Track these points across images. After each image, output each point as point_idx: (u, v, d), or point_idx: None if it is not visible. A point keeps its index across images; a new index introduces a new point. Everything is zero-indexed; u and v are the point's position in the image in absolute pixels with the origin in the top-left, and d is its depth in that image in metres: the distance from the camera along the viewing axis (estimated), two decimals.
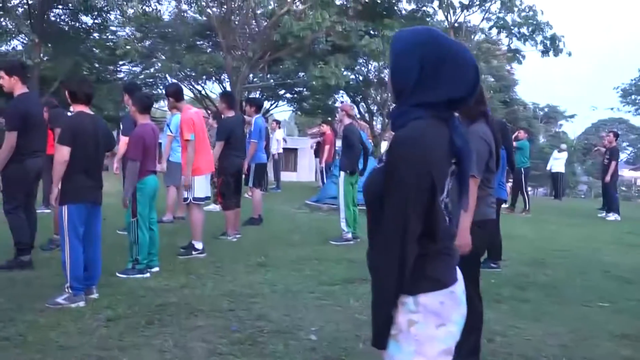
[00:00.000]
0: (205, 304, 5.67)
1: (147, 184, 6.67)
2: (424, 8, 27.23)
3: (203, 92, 33.67)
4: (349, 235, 9.17)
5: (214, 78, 34.32)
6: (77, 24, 24.90)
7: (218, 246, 8.40)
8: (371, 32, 23.14)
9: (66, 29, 24.65)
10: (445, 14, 27.66)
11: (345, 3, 23.60)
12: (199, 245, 7.78)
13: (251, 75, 27.43)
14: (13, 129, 6.50)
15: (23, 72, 6.83)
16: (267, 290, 6.27)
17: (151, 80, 30.63)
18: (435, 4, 26.68)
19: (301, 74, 31.83)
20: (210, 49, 31.18)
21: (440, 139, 2.04)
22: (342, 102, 30.93)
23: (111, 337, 4.71)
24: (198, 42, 31.49)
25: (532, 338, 5.14)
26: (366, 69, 32.58)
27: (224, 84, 35.10)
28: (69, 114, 7.28)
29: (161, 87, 30.04)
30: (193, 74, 30.09)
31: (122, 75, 31.26)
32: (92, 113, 5.70)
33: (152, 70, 30.82)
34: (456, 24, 27.84)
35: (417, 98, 2.07)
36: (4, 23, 21.21)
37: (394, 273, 1.97)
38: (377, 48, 20.94)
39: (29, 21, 19.66)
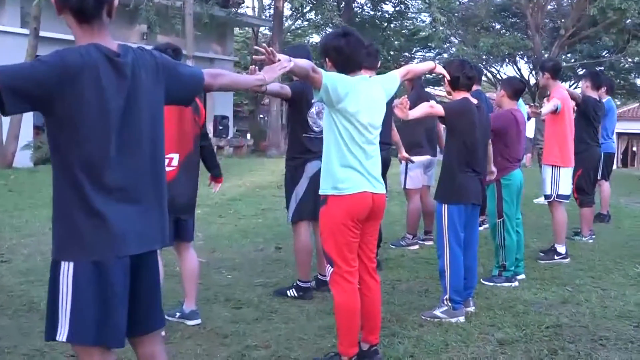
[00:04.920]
0: (603, 328, 4.64)
1: (513, 178, 5.81)
2: None
3: (498, 76, 32.59)
4: None
5: (507, 60, 33.26)
6: (379, 13, 25.21)
7: (577, 249, 7.27)
8: None
9: (367, 18, 25.08)
10: None
11: None
12: (561, 249, 6.74)
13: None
14: None
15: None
16: None
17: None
18: None
19: (603, 52, 29.25)
20: (505, 30, 30.39)
21: None
22: None
23: None
24: (492, 25, 30.85)
25: None
26: None
27: (518, 66, 33.63)
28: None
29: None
30: (486, 57, 29.28)
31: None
32: (475, 100, 4.94)
33: (445, 55, 30.45)
34: None
35: None
36: (315, 17, 22.01)
37: None
38: None
39: (336, 12, 20.16)
